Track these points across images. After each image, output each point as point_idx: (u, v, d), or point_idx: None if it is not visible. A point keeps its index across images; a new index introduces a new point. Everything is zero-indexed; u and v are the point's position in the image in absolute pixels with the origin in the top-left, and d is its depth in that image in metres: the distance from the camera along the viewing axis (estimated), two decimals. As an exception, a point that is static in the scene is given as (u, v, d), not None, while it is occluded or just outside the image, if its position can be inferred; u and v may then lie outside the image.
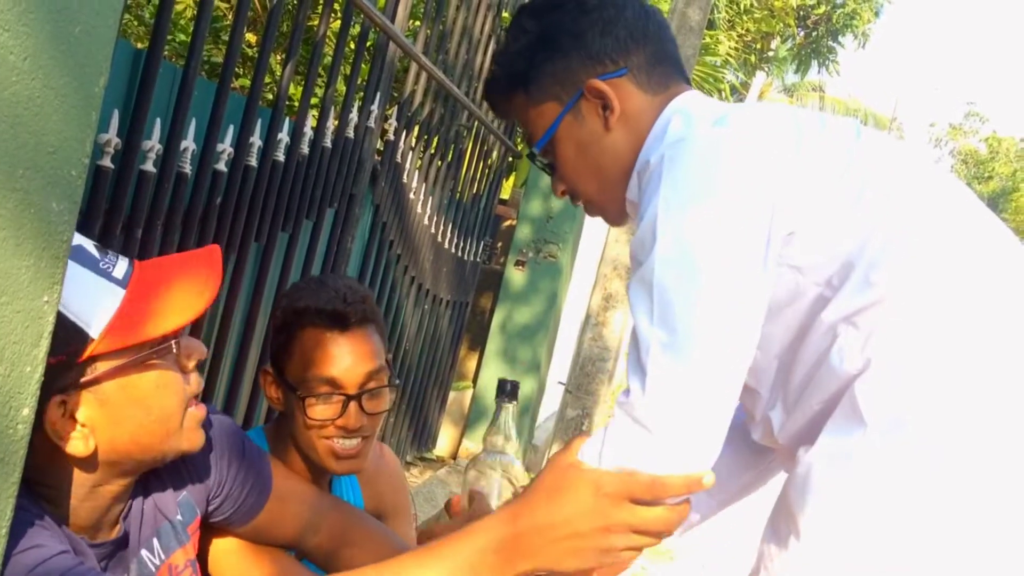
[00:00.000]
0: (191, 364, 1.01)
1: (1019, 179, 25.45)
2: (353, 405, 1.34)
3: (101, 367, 0.92)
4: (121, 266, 0.96)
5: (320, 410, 1.34)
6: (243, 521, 1.21)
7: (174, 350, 0.97)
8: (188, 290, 0.97)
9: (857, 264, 1.07)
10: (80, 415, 0.93)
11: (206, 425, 1.07)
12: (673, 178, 1.06)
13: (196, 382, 1.02)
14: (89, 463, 0.96)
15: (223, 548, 1.25)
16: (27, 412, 0.79)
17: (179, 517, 1.12)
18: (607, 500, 0.94)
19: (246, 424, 2.25)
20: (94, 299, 0.92)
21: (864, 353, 1.06)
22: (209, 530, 1.23)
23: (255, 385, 2.24)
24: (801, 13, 15.08)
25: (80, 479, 0.97)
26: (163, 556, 1.09)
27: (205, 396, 2.00)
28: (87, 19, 0.77)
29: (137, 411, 0.95)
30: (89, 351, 0.91)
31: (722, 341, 1.01)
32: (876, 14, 15.49)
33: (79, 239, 0.96)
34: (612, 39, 1.21)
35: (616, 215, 1.28)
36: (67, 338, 0.89)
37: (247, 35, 4.07)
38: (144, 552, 1.06)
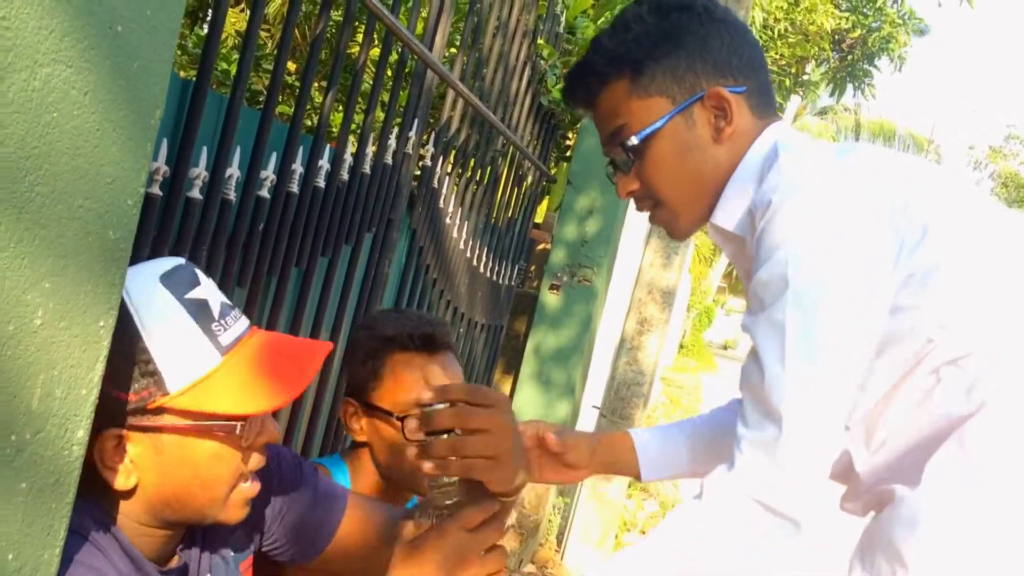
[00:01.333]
0: (259, 442, 1.01)
1: (1061, 202, 25.02)
2: None
3: (167, 420, 0.94)
4: (233, 332, 0.97)
5: (416, 429, 1.38)
6: (300, 562, 1.21)
7: (238, 432, 0.97)
8: (276, 380, 0.97)
9: (970, 308, 1.11)
10: (131, 451, 0.94)
11: (270, 462, 1.08)
12: (802, 223, 1.08)
13: (257, 460, 1.02)
14: (135, 499, 0.97)
15: None
16: (82, 434, 0.82)
17: (232, 554, 1.13)
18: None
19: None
20: (189, 356, 0.93)
21: (972, 395, 1.09)
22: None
23: (294, 408, 2.26)
24: (836, 37, 15.02)
25: (134, 511, 0.98)
26: None
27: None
28: (144, 55, 0.79)
29: (186, 471, 0.96)
30: (160, 403, 0.92)
31: (846, 384, 1.08)
32: (921, 32, 15.36)
33: (212, 292, 0.97)
34: (737, 57, 1.22)
35: (686, 227, 1.28)
36: (147, 382, 0.91)
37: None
38: None
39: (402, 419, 1.38)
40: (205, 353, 0.93)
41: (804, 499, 1.06)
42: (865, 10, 14.70)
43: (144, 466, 0.94)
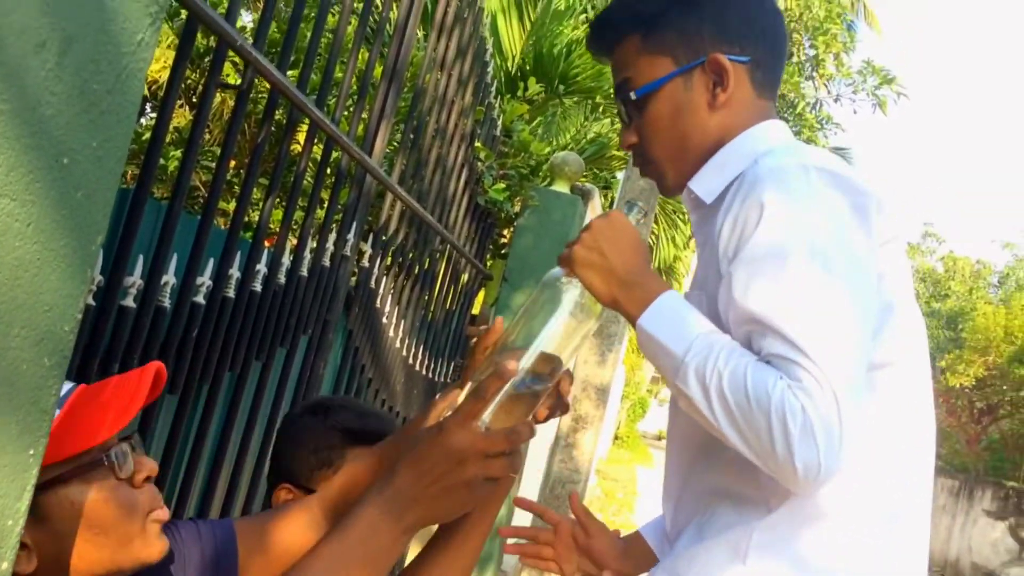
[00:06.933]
0: (141, 478, 1.02)
1: (975, 298, 26.04)
2: None
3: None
4: (63, 389, 0.98)
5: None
6: None
7: (105, 463, 0.98)
8: (116, 408, 0.98)
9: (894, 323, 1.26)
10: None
11: (170, 536, 1.08)
12: (793, 198, 1.11)
13: (150, 492, 1.03)
14: None
15: None
16: (6, 566, 0.79)
17: None
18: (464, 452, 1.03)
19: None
20: None
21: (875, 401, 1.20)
22: None
23: (223, 515, 2.20)
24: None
25: None
26: None
27: (172, 528, 1.97)
28: (90, 184, 0.80)
29: (77, 525, 0.96)
30: None
31: (867, 329, 1.17)
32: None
33: None
34: (748, 26, 1.24)
35: (672, 186, 1.30)
36: None
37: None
38: None
39: None
40: None
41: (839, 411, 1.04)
42: (785, 115, 15.40)
43: (37, 540, 0.93)
